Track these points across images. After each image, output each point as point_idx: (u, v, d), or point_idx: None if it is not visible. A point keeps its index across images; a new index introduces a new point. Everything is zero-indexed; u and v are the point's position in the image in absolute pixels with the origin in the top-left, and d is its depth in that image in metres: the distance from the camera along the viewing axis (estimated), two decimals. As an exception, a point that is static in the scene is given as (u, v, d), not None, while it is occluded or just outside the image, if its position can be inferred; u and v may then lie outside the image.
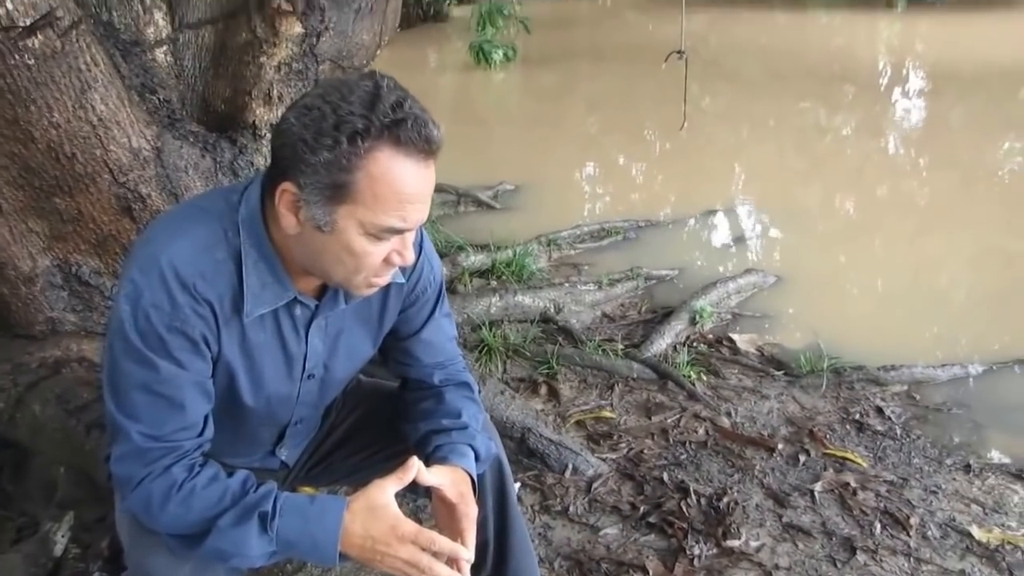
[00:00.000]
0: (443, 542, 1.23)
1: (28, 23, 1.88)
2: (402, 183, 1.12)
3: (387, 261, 1.20)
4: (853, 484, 2.37)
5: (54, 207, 2.17)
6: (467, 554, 1.29)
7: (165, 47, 2.59)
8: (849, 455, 2.52)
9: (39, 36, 1.92)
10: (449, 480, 1.34)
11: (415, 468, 1.27)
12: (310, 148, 1.09)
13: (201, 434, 1.27)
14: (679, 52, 4.53)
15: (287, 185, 1.14)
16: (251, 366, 1.32)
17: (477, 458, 1.45)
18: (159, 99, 2.46)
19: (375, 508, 1.24)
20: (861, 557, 2.11)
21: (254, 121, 2.59)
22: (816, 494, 2.34)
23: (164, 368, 1.19)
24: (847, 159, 6.12)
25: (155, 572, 1.25)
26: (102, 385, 1.27)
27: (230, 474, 1.25)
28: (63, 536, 1.97)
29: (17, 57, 1.91)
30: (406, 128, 1.10)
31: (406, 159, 1.11)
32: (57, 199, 2.16)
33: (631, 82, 8.85)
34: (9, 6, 1.85)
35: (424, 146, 1.12)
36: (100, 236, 2.27)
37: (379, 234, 1.15)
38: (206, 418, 1.28)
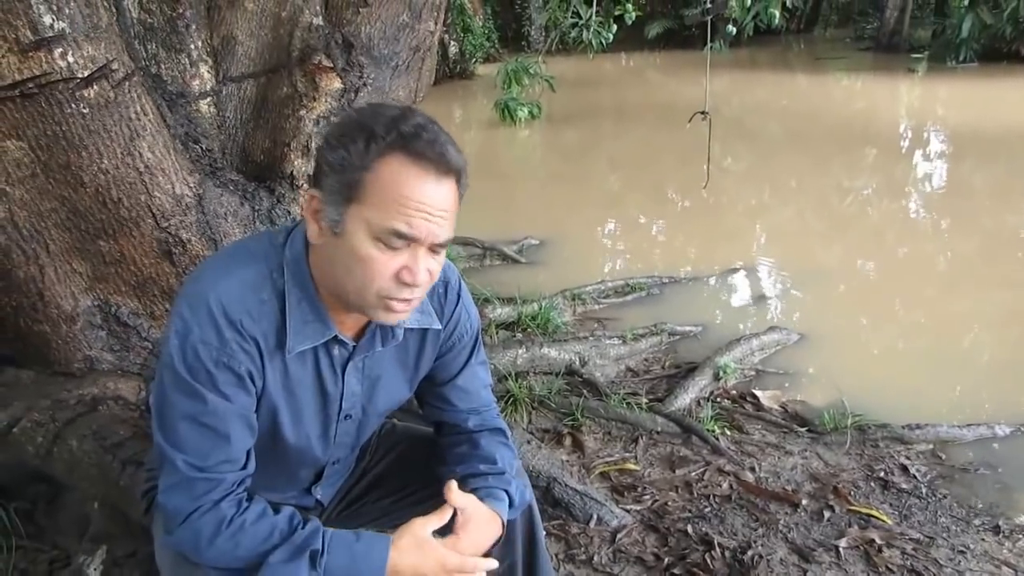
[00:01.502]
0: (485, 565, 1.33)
1: (86, 75, 1.99)
2: (410, 188, 1.17)
3: (397, 277, 1.22)
4: (879, 541, 2.37)
5: (98, 249, 2.25)
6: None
7: (209, 99, 2.70)
8: (874, 512, 2.51)
9: (95, 87, 2.03)
10: (472, 507, 1.39)
11: (453, 494, 1.34)
12: (331, 148, 1.19)
13: (244, 467, 1.31)
14: (703, 113, 4.65)
15: (313, 191, 1.22)
16: (292, 403, 1.38)
17: (511, 503, 1.48)
18: (202, 148, 2.55)
19: (422, 543, 1.30)
20: (888, 615, 2.11)
21: (292, 172, 2.67)
22: (841, 550, 2.34)
23: (211, 401, 1.25)
24: (868, 220, 6.15)
25: (198, 604, 1.27)
26: (150, 418, 1.33)
27: (276, 511, 1.29)
28: (95, 570, 2.00)
29: (73, 106, 2.01)
30: (421, 141, 1.17)
31: (418, 169, 1.18)
32: (101, 242, 2.24)
33: (654, 141, 8.99)
34: (71, 58, 1.96)
35: (438, 161, 1.18)
36: (140, 278, 2.35)
37: (384, 237, 1.19)
38: (248, 452, 1.32)
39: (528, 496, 1.56)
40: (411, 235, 1.19)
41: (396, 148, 1.17)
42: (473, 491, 1.46)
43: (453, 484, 1.37)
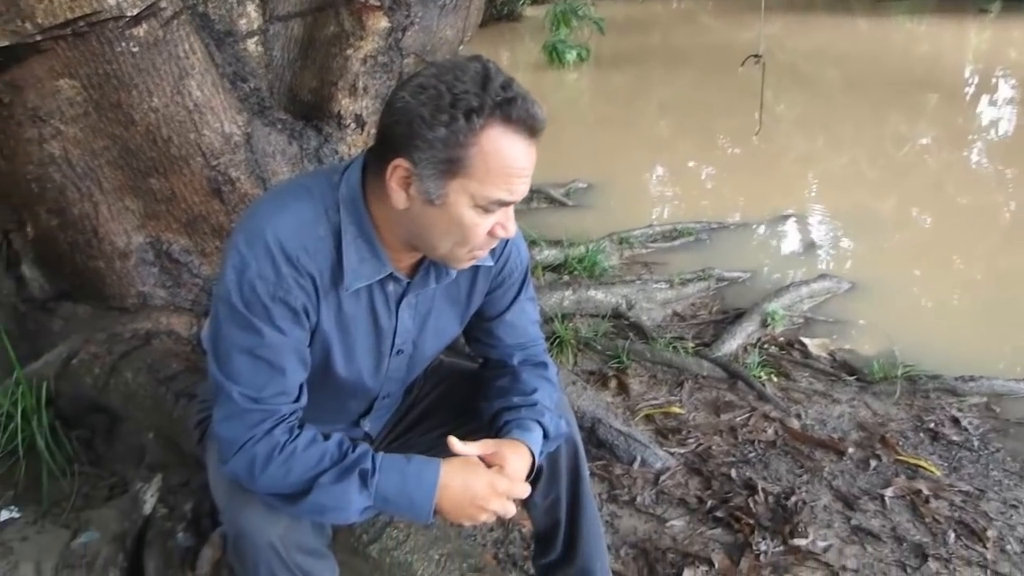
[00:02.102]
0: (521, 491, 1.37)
1: (135, 13, 1.99)
2: (512, 158, 1.18)
3: (491, 234, 1.26)
4: (926, 492, 2.35)
5: (149, 187, 2.29)
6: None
7: (256, 38, 2.69)
8: (922, 463, 2.49)
9: (144, 25, 2.04)
10: (491, 448, 1.40)
11: (456, 447, 1.37)
12: (427, 124, 1.15)
13: (297, 400, 1.33)
14: (756, 56, 4.52)
15: (400, 161, 1.19)
16: (345, 338, 1.39)
17: (546, 435, 1.49)
18: (249, 87, 2.56)
19: (472, 465, 1.34)
20: (933, 565, 2.09)
21: (339, 111, 2.67)
22: (887, 499, 2.33)
23: (267, 334, 1.26)
24: (927, 169, 5.99)
25: (251, 528, 1.31)
26: (202, 352, 1.35)
27: (326, 437, 1.32)
28: (151, 496, 2.07)
29: (123, 45, 2.02)
30: (516, 106, 1.16)
31: (515, 136, 1.18)
32: (153, 180, 2.27)
33: (705, 86, 8.80)
34: (119, -3, 1.96)
35: (532, 124, 1.19)
36: (191, 216, 2.38)
37: (488, 206, 1.21)
38: (301, 385, 1.34)
39: (565, 428, 1.56)
40: (512, 201, 1.23)
41: (494, 118, 1.16)
42: (505, 424, 1.48)
43: (453, 440, 1.37)
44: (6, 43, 1.90)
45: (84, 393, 2.30)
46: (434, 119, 1.15)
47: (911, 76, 8.96)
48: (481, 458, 1.39)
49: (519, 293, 1.59)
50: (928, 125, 7.14)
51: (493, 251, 1.47)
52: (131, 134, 2.17)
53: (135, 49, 2.04)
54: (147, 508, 2.02)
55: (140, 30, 2.04)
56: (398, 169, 1.21)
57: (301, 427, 1.33)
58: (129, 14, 1.99)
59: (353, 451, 1.31)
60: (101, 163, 2.21)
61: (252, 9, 2.68)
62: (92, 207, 2.26)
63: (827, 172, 6.02)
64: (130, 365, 2.26)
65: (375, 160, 1.27)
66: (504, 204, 1.23)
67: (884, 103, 7.75)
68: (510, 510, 1.36)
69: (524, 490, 1.39)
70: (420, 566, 1.81)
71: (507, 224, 1.27)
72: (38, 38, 1.91)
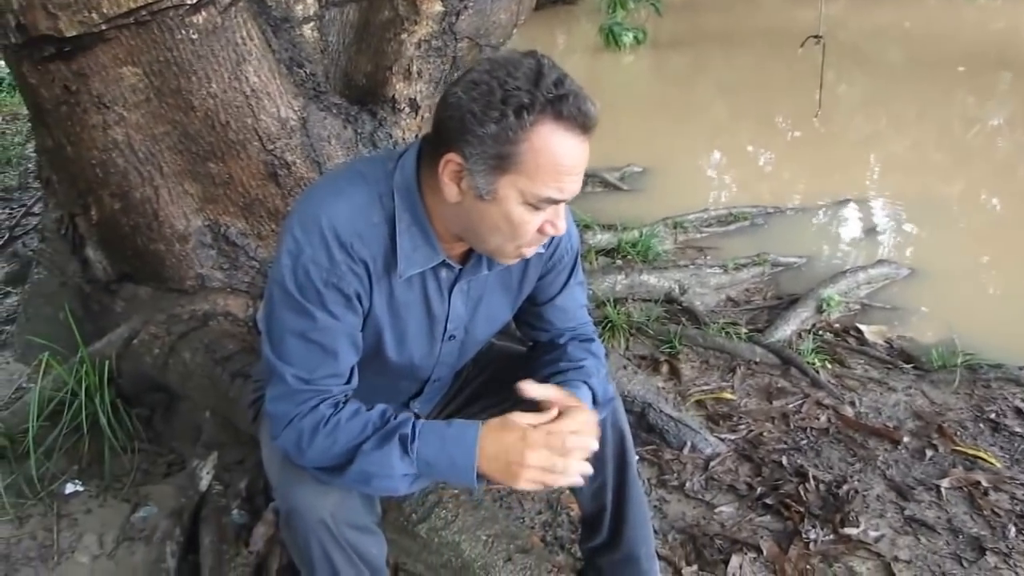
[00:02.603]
0: (573, 439, 1.30)
1: (194, 1, 2.04)
2: (562, 156, 1.18)
3: (540, 231, 1.27)
4: (985, 484, 2.29)
5: (208, 171, 2.34)
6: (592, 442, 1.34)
7: (312, 23, 2.72)
8: (981, 454, 2.43)
9: (203, 13, 2.09)
10: (555, 394, 1.38)
11: (530, 389, 1.35)
12: (478, 120, 1.17)
13: (348, 382, 1.37)
14: (816, 37, 4.41)
15: (452, 156, 1.21)
16: (397, 323, 1.42)
17: (595, 400, 1.49)
18: (305, 72, 2.59)
19: (506, 422, 1.31)
20: (991, 559, 2.04)
21: (394, 95, 2.69)
22: (943, 490, 2.28)
23: (320, 318, 1.30)
24: (997, 152, 5.79)
25: (302, 504, 1.34)
26: (258, 333, 1.39)
27: (369, 408, 1.34)
28: (207, 473, 2.13)
29: (183, 32, 2.07)
30: (567, 103, 1.16)
31: (566, 133, 1.18)
32: (211, 164, 2.32)
33: (764, 67, 8.63)
34: (179, -16, 2.01)
35: (583, 121, 1.19)
36: (247, 200, 2.43)
37: (538, 204, 1.22)
38: (353, 369, 1.38)
39: (611, 394, 1.56)
40: (563, 199, 1.23)
41: (546, 115, 1.17)
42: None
43: (528, 383, 1.36)
44: (74, 33, 1.96)
45: (144, 372, 2.37)
46: (485, 115, 1.17)
47: (983, 55, 8.64)
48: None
49: (569, 278, 1.61)
50: (999, 106, 6.89)
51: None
52: (190, 119, 2.22)
53: (194, 36, 2.10)
54: (203, 485, 2.09)
55: (199, 17, 2.09)
56: (450, 163, 1.22)
57: (347, 401, 1.35)
58: (189, 2, 2.04)
59: (395, 418, 1.32)
60: (162, 148, 2.27)
61: (308, -6, 2.71)
62: (153, 191, 2.32)
63: (890, 155, 5.86)
64: (188, 345, 2.33)
65: (429, 151, 1.28)
66: (554, 202, 1.23)
67: (952, 83, 7.50)
68: (567, 470, 1.30)
69: (590, 444, 1.34)
70: (467, 546, 1.84)
71: (557, 222, 1.27)
72: (103, 27, 1.97)
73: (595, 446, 1.35)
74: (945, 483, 2.30)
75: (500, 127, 1.16)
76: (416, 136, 1.33)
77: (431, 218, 1.33)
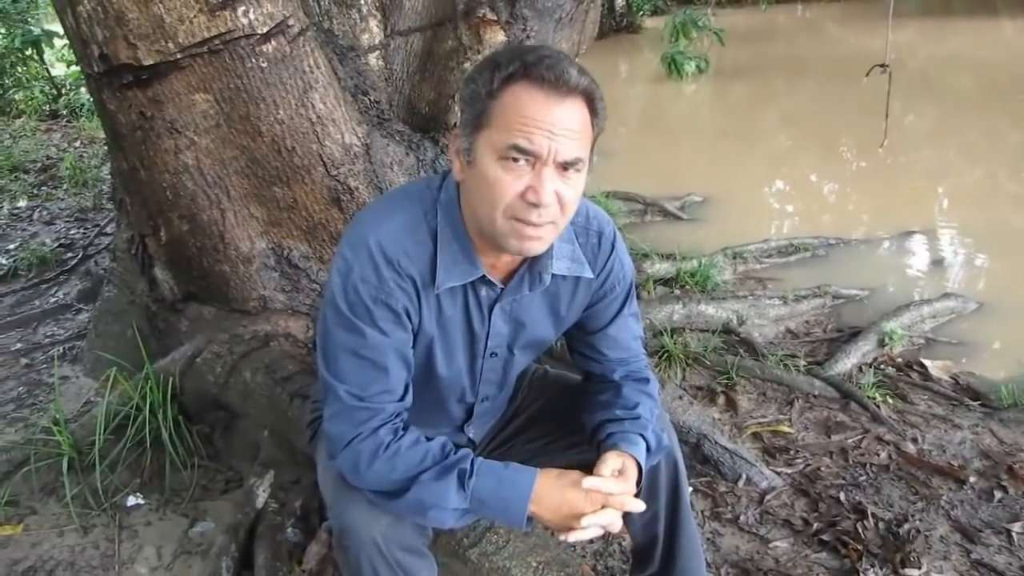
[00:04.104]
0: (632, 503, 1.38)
1: (265, 31, 2.12)
2: (531, 108, 1.20)
3: (523, 197, 1.23)
4: (1059, 529, 2.21)
5: (273, 195, 2.41)
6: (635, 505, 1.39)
7: (377, 52, 2.80)
8: (1054, 497, 2.34)
9: (272, 42, 2.16)
10: (611, 465, 1.41)
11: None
12: (465, 84, 1.26)
13: (402, 399, 1.39)
14: (883, 65, 4.35)
15: (455, 130, 1.29)
16: (445, 337, 1.45)
17: (649, 449, 1.49)
18: (370, 100, 2.65)
19: (568, 476, 1.36)
20: (1063, 607, 1.97)
21: (455, 123, 2.73)
22: (1015, 535, 2.19)
23: (370, 335, 1.33)
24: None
25: (355, 524, 1.36)
26: (315, 352, 1.42)
27: (429, 439, 1.37)
28: (264, 491, 2.17)
29: (253, 61, 2.15)
30: (541, 66, 1.20)
31: (539, 91, 1.20)
32: (276, 188, 2.39)
33: (828, 97, 8.52)
34: (252, 16, 2.10)
35: (558, 81, 1.20)
36: (311, 224, 2.49)
37: (507, 154, 1.21)
38: (406, 386, 1.40)
39: (667, 442, 1.56)
40: (531, 150, 1.21)
41: (518, 75, 1.21)
42: (608, 435, 1.49)
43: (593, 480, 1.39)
44: (151, 61, 2.05)
45: (206, 390, 2.43)
46: (471, 79, 1.25)
47: (1058, 84, 8.40)
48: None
49: (623, 308, 1.60)
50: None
51: (594, 264, 1.49)
52: (258, 144, 2.30)
53: (264, 64, 2.17)
54: (259, 502, 2.12)
55: (269, 47, 2.16)
56: (454, 139, 1.30)
57: (406, 429, 1.38)
58: (260, 32, 2.12)
59: (455, 453, 1.36)
60: (229, 172, 2.34)
61: (374, 24, 2.78)
62: (220, 214, 2.39)
63: (959, 186, 5.72)
64: (249, 365, 2.38)
65: None
66: (524, 152, 1.20)
67: (1025, 111, 7.29)
68: (613, 521, 1.36)
69: (636, 504, 1.39)
70: (518, 572, 1.84)
71: (538, 187, 1.22)
72: (179, 56, 2.06)
73: (641, 507, 1.41)
74: (1017, 527, 2.21)
75: (477, 86, 1.23)
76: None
77: (469, 233, 1.35)
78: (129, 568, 2.08)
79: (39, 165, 5.93)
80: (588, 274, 1.49)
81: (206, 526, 2.18)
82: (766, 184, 5.94)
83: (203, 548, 2.12)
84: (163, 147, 2.25)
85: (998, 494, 2.35)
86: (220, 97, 2.19)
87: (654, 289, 3.68)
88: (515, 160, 1.22)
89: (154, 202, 2.41)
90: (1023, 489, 2.37)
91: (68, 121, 7.55)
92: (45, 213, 5.01)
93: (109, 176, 4.02)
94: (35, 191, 5.43)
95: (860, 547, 2.14)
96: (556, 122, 1.21)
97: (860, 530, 2.21)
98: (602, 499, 1.35)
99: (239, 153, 2.31)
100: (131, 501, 2.29)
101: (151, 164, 2.29)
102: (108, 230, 4.40)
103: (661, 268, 3.82)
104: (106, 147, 2.84)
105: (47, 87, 8.63)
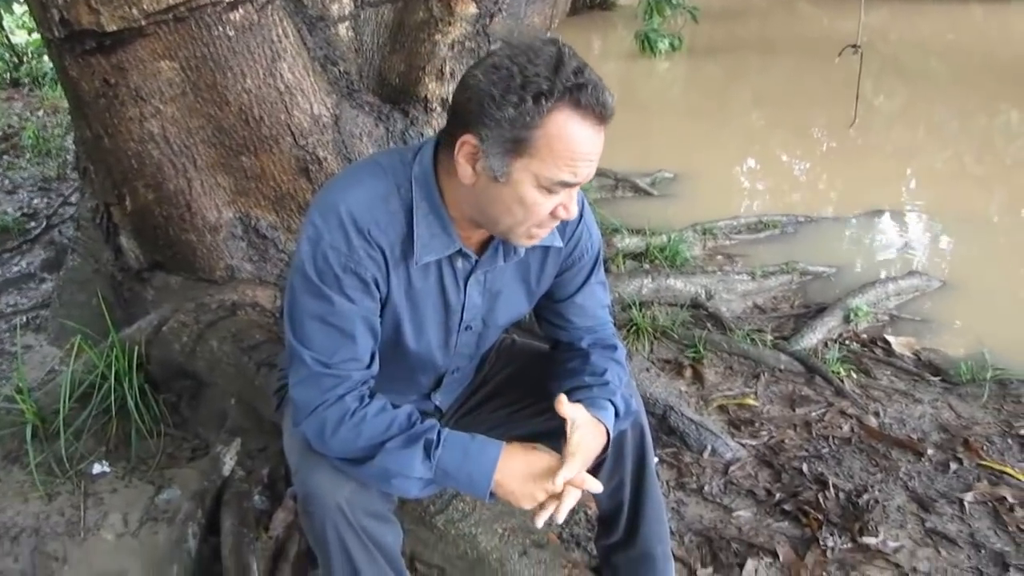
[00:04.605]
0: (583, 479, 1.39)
1: (232, -1, 2.08)
2: (577, 142, 1.20)
3: (552, 214, 1.29)
4: (1011, 499, 2.26)
5: (240, 165, 2.39)
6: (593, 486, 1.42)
7: (347, 23, 2.76)
8: (1008, 469, 2.39)
9: (240, 10, 2.13)
10: (582, 418, 1.43)
11: (563, 406, 1.40)
12: (496, 104, 1.18)
13: (368, 367, 1.39)
14: (854, 46, 4.37)
15: (468, 137, 1.23)
16: (415, 312, 1.44)
17: (618, 414, 1.51)
18: (339, 71, 2.63)
19: (531, 453, 1.39)
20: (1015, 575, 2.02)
21: (426, 95, 2.72)
22: (966, 504, 2.25)
23: (338, 303, 1.33)
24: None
25: (319, 489, 1.37)
26: (282, 320, 1.42)
27: (396, 407, 1.37)
28: (231, 459, 2.17)
29: (220, 28, 2.12)
30: (586, 93, 1.18)
31: (583, 121, 1.20)
32: (243, 158, 2.37)
33: (801, 77, 8.57)
34: (218, -19, 2.05)
35: (600, 111, 1.20)
36: (278, 194, 2.47)
37: (551, 187, 1.24)
38: (373, 354, 1.40)
39: (635, 407, 1.58)
40: (576, 183, 1.26)
41: (564, 103, 1.18)
42: (577, 402, 1.49)
43: (563, 396, 1.42)
44: (115, 28, 2.01)
45: (172, 359, 2.42)
46: (504, 100, 1.18)
47: (1029, 67, 8.48)
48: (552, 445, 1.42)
49: (589, 276, 1.61)
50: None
51: (563, 233, 1.50)
52: (225, 114, 2.27)
53: (231, 33, 2.14)
54: (226, 470, 2.12)
55: (236, 15, 2.13)
56: (466, 145, 1.24)
57: (372, 396, 1.38)
58: (227, -1, 2.08)
59: (421, 423, 1.36)
60: (196, 141, 2.31)
61: (344, -6, 2.75)
62: (186, 183, 2.37)
63: (927, 167, 5.78)
64: (216, 334, 2.37)
65: (447, 135, 1.31)
66: (567, 185, 1.25)
67: (995, 96, 7.37)
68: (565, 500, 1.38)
69: (594, 485, 1.41)
70: (484, 539, 1.86)
71: (569, 206, 1.29)
72: (143, 23, 2.02)
73: (599, 488, 1.44)
74: (969, 497, 2.27)
75: (518, 112, 1.18)
76: (436, 133, 1.38)
77: (447, 205, 1.35)
78: (95, 534, 2.07)
79: (0, 134, 5.82)
80: (558, 243, 1.50)
81: (172, 493, 2.18)
82: (737, 161, 5.97)
83: (169, 515, 2.11)
84: (127, 115, 2.22)
85: (953, 465, 2.41)
86: (186, 65, 2.15)
87: (624, 263, 3.70)
88: (557, 191, 1.25)
89: (119, 171, 2.38)
90: (976, 461, 2.43)
91: (30, 90, 7.39)
92: (7, 182, 4.92)
93: (73, 146, 3.96)
94: (-4, 160, 5.34)
95: (820, 516, 2.19)
96: (595, 150, 1.24)
97: (821, 500, 2.25)
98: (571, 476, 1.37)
99: (206, 122, 2.29)
100: (96, 469, 2.27)
101: (115, 132, 2.26)
102: (72, 200, 4.33)
103: (631, 243, 3.84)
104: (69, 116, 2.79)
105: (7, 55, 8.44)
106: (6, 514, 2.11)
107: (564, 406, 1.40)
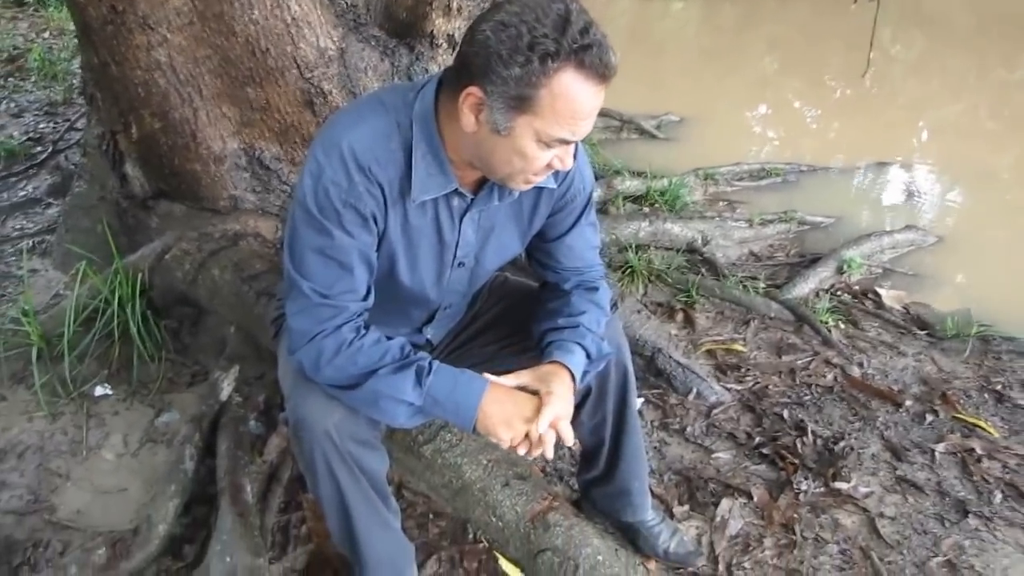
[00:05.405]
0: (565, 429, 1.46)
1: (241, -74, 2.08)
2: (579, 102, 1.24)
3: (549, 165, 1.34)
4: (979, 451, 2.33)
5: (246, 96, 2.41)
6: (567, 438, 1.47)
7: (357, -46, 2.75)
8: (981, 423, 2.46)
9: (249, -61, 2.13)
10: (530, 377, 1.50)
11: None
12: (503, 62, 1.21)
13: (364, 299, 1.45)
14: (870, -9, 4.31)
15: (473, 89, 1.26)
16: (410, 247, 1.50)
17: (590, 357, 1.57)
18: (346, 3, 2.63)
19: (516, 391, 1.47)
20: (973, 521, 2.10)
21: (432, 31, 2.72)
22: (937, 454, 2.33)
23: (337, 236, 1.37)
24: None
25: (310, 416, 1.44)
26: (282, 248, 1.47)
27: (390, 339, 1.44)
28: (228, 385, 2.24)
29: (226, -43, 2.12)
30: (591, 53, 1.21)
31: (586, 81, 1.23)
32: (249, 89, 2.39)
33: (817, 22, 8.41)
34: (224, -91, 2.05)
35: (603, 71, 1.23)
36: (283, 126, 2.50)
37: (550, 143, 1.28)
38: (368, 287, 1.46)
39: (607, 350, 1.63)
40: (574, 140, 1.30)
41: (569, 63, 1.21)
42: (548, 344, 1.57)
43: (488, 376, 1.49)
44: (119, -48, 2.02)
45: (175, 286, 2.48)
46: (511, 58, 1.21)
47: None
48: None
49: (580, 217, 1.65)
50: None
51: (556, 174, 1.54)
52: (231, 44, 2.29)
53: (238, -39, 2.15)
54: (224, 395, 2.20)
55: (244, -56, 2.13)
56: (471, 96, 1.27)
57: (367, 328, 1.44)
58: (235, -73, 2.08)
59: (414, 353, 1.43)
60: (202, 71, 2.34)
61: (355, -73, 2.73)
62: (192, 112, 2.40)
63: (940, 120, 5.73)
64: (218, 263, 2.43)
65: (451, 81, 1.33)
66: (566, 143, 1.30)
67: (1016, 48, 7.23)
68: (546, 442, 1.44)
69: (568, 437, 1.47)
70: (468, 469, 1.95)
71: (565, 158, 1.34)
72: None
73: (571, 442, 1.50)
74: (940, 447, 2.35)
75: (524, 71, 1.21)
76: (439, 71, 1.40)
77: (446, 146, 1.39)
78: (96, 454, 2.17)
79: (5, 55, 5.76)
80: (551, 184, 1.53)
81: (171, 416, 2.26)
82: (746, 107, 5.92)
83: (168, 437, 2.20)
84: (135, 43, 2.24)
85: (929, 417, 2.48)
86: (194, -6, 2.17)
87: (623, 205, 3.72)
88: (556, 145, 1.30)
89: (125, 99, 2.41)
90: (952, 414, 2.50)
91: (35, 9, 7.30)
92: (13, 105, 4.92)
93: (80, 70, 3.96)
94: (2, 82, 5.32)
95: (797, 461, 2.27)
96: (595, 108, 1.28)
97: (799, 445, 2.33)
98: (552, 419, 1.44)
99: (212, 52, 2.31)
100: (99, 391, 2.35)
101: (122, 60, 2.28)
102: (79, 125, 4.34)
103: (632, 185, 3.84)
104: (76, 39, 2.80)
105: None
106: (12, 432, 2.20)
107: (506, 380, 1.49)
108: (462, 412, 1.42)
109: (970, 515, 2.11)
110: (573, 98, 1.23)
